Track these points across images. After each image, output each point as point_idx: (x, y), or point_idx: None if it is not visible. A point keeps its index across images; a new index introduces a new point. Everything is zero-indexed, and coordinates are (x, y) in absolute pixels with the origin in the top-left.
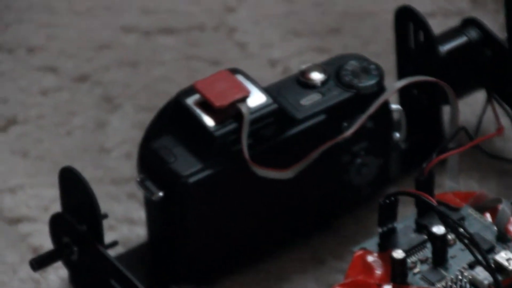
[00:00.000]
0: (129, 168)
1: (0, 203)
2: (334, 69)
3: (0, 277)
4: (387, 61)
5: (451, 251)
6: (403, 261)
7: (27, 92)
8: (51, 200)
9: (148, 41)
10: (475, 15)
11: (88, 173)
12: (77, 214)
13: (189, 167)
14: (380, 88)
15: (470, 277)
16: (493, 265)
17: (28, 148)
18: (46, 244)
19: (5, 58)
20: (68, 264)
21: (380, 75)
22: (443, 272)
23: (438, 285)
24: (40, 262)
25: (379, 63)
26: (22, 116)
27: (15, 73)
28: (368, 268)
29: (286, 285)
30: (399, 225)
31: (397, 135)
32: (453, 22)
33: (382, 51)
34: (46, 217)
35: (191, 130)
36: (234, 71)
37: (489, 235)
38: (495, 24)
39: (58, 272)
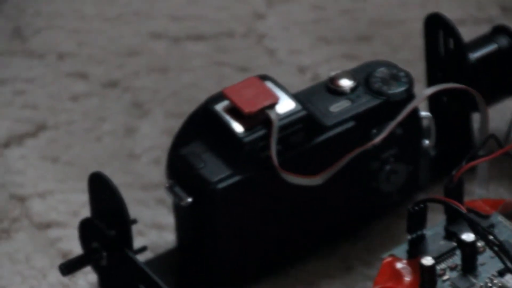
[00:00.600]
0: (158, 173)
1: (30, 208)
2: (364, 76)
3: (30, 282)
4: (417, 68)
5: (480, 259)
6: (432, 268)
7: (57, 97)
8: (80, 205)
9: (177, 47)
10: (505, 22)
11: (117, 178)
12: (106, 219)
13: (218, 173)
14: (409, 95)
15: (500, 284)
16: None
17: (58, 154)
18: (76, 249)
19: (36, 64)
20: (97, 269)
21: (410, 82)
22: (472, 279)
23: None
24: (69, 267)
25: (409, 70)
26: (52, 122)
27: (46, 78)
28: (397, 275)
29: None
30: (428, 232)
31: (427, 142)
32: (483, 29)
33: (412, 58)
34: (76, 222)
35: (220, 136)
36: (263, 77)
37: None
38: None
39: (87, 277)
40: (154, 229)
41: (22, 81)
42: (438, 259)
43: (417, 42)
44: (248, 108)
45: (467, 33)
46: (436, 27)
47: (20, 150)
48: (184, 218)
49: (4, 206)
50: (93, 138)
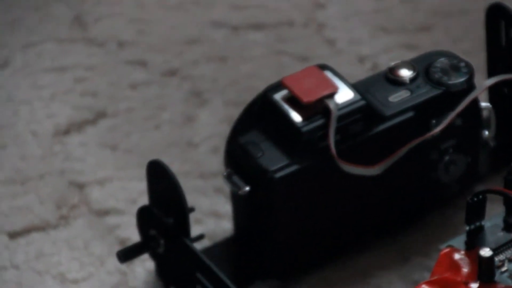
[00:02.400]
0: (216, 162)
1: (89, 195)
2: (424, 66)
3: (87, 269)
4: (478, 58)
5: None
6: (490, 259)
7: (117, 85)
8: (139, 193)
9: (237, 36)
10: None
11: (175, 166)
12: (164, 207)
13: (276, 162)
14: (469, 86)
15: None
16: None
17: (117, 141)
18: (133, 236)
19: (96, 51)
20: (155, 257)
21: (470, 73)
22: None
23: None
24: (126, 254)
25: (469, 61)
26: (111, 110)
27: (105, 66)
28: (454, 266)
29: (372, 281)
30: (486, 223)
31: (486, 133)
32: None
33: (473, 48)
34: (134, 210)
35: (279, 125)
36: (323, 67)
37: None
38: None
39: (145, 265)
40: (212, 217)
41: (83, 69)
42: (497, 250)
43: (478, 32)
44: (307, 97)
45: None
46: (498, 18)
47: (79, 137)
48: (242, 207)
49: (63, 193)
50: (152, 126)
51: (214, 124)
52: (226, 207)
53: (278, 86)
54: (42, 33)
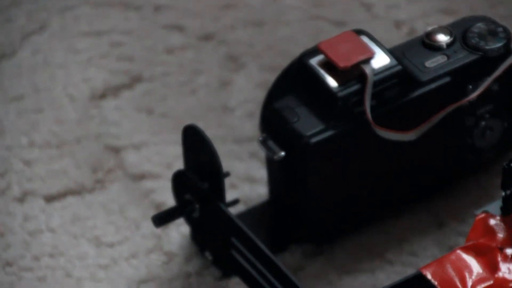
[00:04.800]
0: (252, 127)
1: (125, 160)
2: (461, 31)
3: (123, 232)
4: None
5: None
6: None
7: (153, 50)
8: (174, 157)
9: (274, 1)
10: None
11: (211, 131)
12: (199, 172)
13: (311, 127)
14: (507, 51)
15: None
16: None
17: (153, 106)
18: (169, 200)
19: (132, 16)
20: (190, 221)
21: (508, 38)
22: None
23: None
24: (162, 219)
25: (507, 26)
26: (147, 74)
27: (142, 31)
28: (490, 232)
29: (406, 247)
30: None
31: None
32: None
33: (510, 13)
34: (169, 174)
35: (314, 90)
36: (359, 32)
37: None
38: None
39: (180, 229)
40: (247, 182)
41: (119, 33)
42: None
43: None
44: (343, 62)
45: None
46: None
47: (115, 101)
48: (277, 172)
49: (99, 156)
50: (188, 90)
51: (250, 89)
52: (261, 172)
53: (314, 51)
54: None
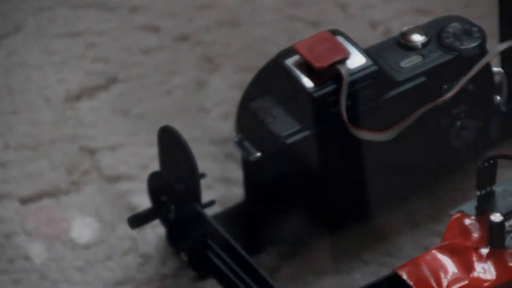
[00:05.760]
0: (228, 128)
1: (100, 161)
2: (436, 31)
3: (98, 234)
4: (490, 23)
5: None
6: (501, 224)
7: (129, 51)
8: (150, 159)
9: (249, 1)
10: None
11: (187, 132)
12: (175, 173)
13: (287, 128)
14: (482, 51)
15: None
16: None
17: (129, 107)
18: (144, 202)
19: (108, 17)
20: (165, 223)
21: (482, 38)
22: None
23: None
24: (137, 220)
25: (482, 26)
26: (123, 75)
27: (117, 32)
28: (465, 231)
29: (382, 247)
30: (497, 188)
31: (498, 98)
32: None
33: (485, 13)
34: (145, 176)
35: (290, 91)
36: (335, 32)
37: None
38: None
39: (156, 231)
40: (223, 183)
41: (94, 34)
42: (507, 215)
43: None
44: (318, 62)
45: None
46: None
47: (91, 103)
48: (253, 173)
49: (75, 158)
50: (164, 91)
51: (226, 90)
52: (237, 173)
53: (289, 51)
54: None
